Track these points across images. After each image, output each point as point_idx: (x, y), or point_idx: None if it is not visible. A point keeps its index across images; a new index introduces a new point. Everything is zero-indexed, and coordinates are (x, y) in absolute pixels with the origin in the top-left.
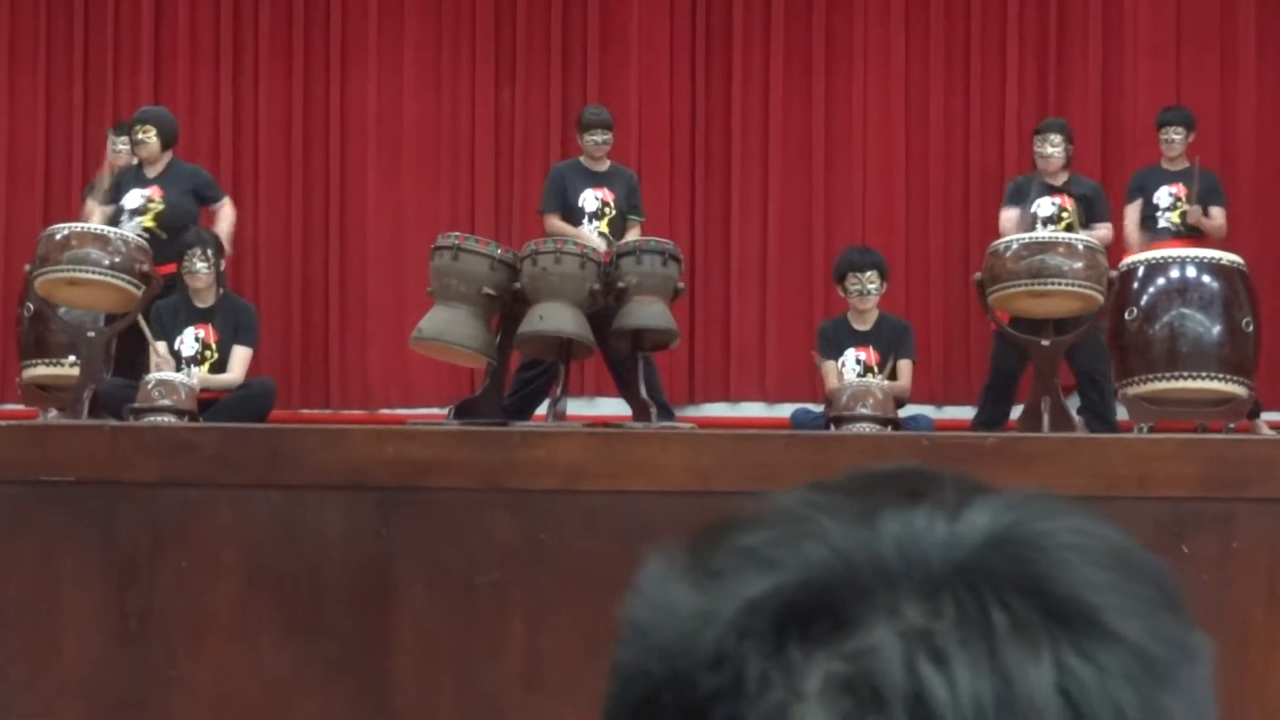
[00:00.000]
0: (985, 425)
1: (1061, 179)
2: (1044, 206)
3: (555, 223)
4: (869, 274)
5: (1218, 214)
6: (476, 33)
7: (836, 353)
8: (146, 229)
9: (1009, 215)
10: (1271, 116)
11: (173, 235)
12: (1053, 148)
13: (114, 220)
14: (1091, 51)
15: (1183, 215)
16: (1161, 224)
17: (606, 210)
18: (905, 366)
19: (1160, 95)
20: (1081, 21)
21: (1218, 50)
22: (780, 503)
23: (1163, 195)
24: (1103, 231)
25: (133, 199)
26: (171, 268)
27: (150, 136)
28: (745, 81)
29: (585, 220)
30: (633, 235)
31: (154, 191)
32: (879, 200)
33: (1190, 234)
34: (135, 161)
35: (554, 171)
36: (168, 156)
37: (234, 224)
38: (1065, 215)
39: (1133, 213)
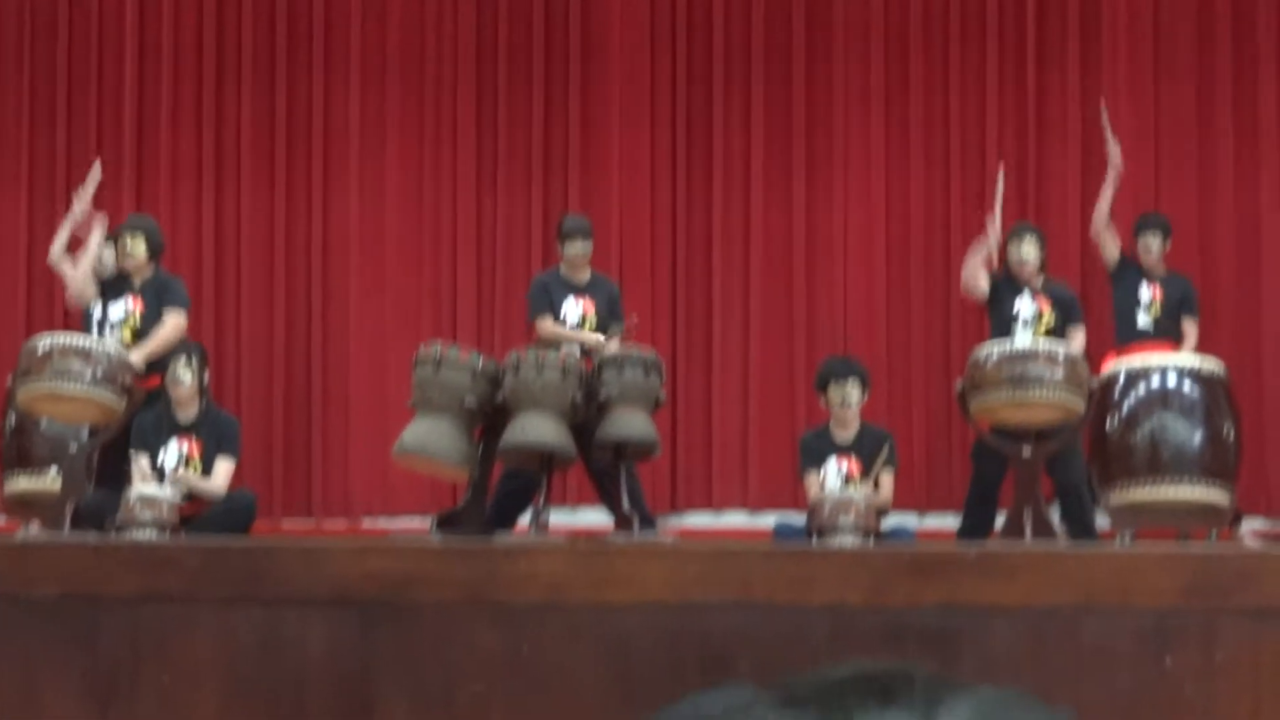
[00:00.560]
0: (969, 534)
1: (1038, 282)
2: (1025, 308)
3: (549, 325)
4: (850, 383)
5: (1190, 328)
6: (458, 142)
7: (818, 463)
8: (126, 344)
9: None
10: (1249, 223)
11: (151, 358)
12: (1029, 250)
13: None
14: (1070, 154)
15: (1158, 317)
16: (1141, 323)
17: (589, 322)
18: (888, 478)
19: (1138, 199)
20: (1060, 125)
21: (1195, 158)
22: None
23: (1143, 293)
24: (1077, 339)
25: (115, 310)
26: (155, 381)
27: (139, 246)
28: (725, 189)
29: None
30: (615, 346)
31: (136, 304)
32: (860, 308)
33: (1166, 336)
34: (115, 269)
35: (537, 281)
36: (152, 268)
37: (173, 336)
38: (1044, 317)
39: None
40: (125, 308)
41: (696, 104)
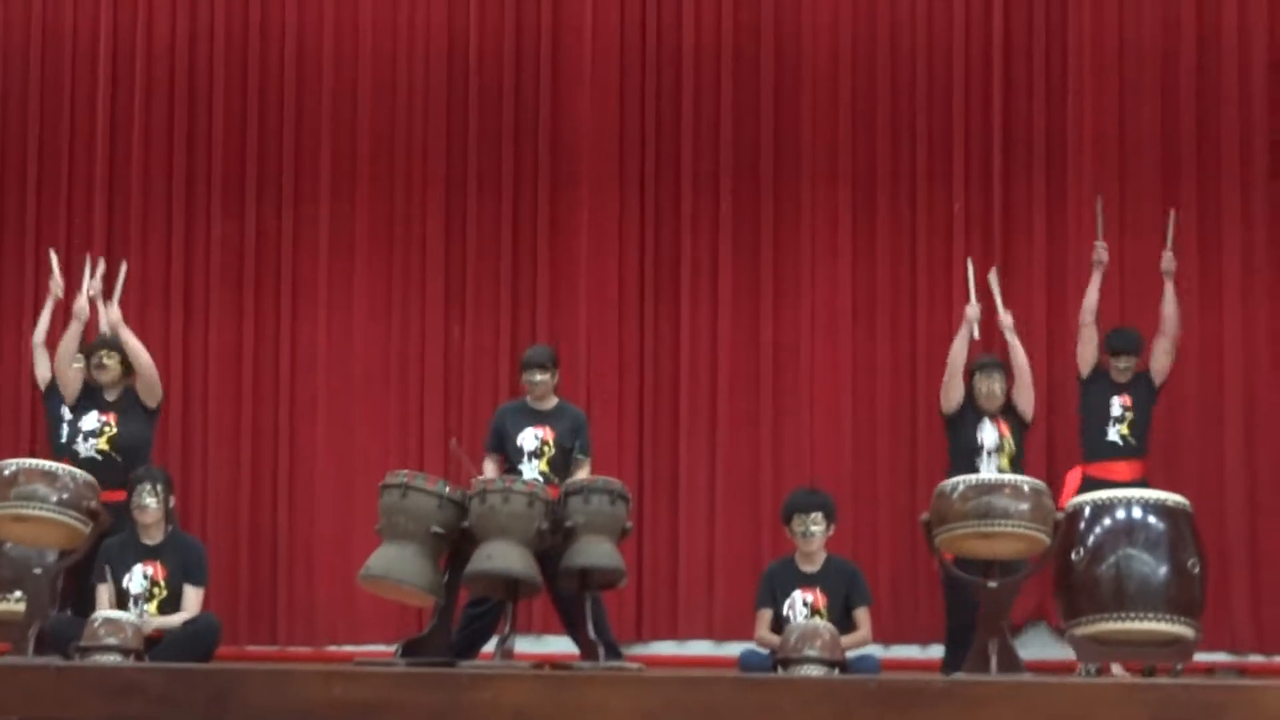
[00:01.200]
0: (951, 670)
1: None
2: (988, 436)
3: (488, 469)
4: (814, 515)
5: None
6: (426, 269)
7: (783, 595)
8: (100, 451)
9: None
10: (1212, 354)
11: (126, 459)
12: (997, 385)
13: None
14: (1036, 285)
15: (1130, 427)
16: (1111, 436)
17: (546, 449)
18: (863, 614)
19: (1106, 318)
20: (1026, 256)
21: (1158, 280)
22: None
23: (1115, 405)
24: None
25: (89, 422)
26: (122, 494)
27: (113, 362)
28: (692, 319)
29: (525, 459)
30: (581, 474)
31: (110, 416)
32: (826, 436)
33: (1135, 455)
34: (85, 384)
35: (496, 414)
36: (125, 384)
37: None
38: (1007, 443)
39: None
40: (100, 419)
41: (665, 228)
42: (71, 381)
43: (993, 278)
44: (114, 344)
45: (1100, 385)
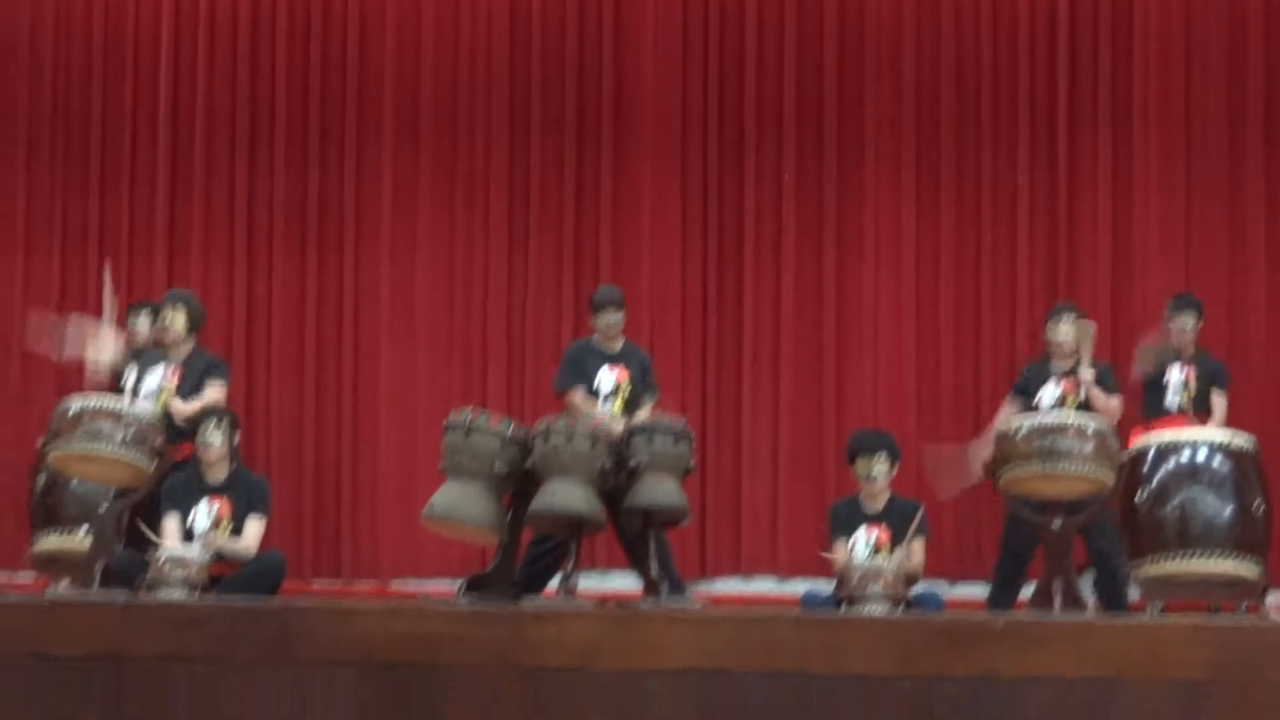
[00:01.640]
0: (996, 606)
1: (1070, 363)
2: (1048, 395)
3: (577, 398)
4: (878, 457)
5: (1219, 401)
6: (490, 211)
7: (848, 531)
8: (161, 412)
9: (1007, 410)
10: (1279, 302)
11: (188, 420)
12: (1064, 333)
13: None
14: (1101, 243)
15: (1190, 398)
16: (1169, 400)
17: (622, 390)
18: (919, 545)
19: (1170, 283)
20: (1091, 213)
21: (1226, 241)
22: None
23: (1174, 373)
24: (1115, 402)
25: (151, 380)
26: (186, 450)
27: (178, 318)
28: (756, 260)
29: (601, 400)
30: (645, 413)
31: (173, 374)
32: (890, 381)
33: (1196, 416)
34: (151, 341)
35: (570, 350)
36: (191, 341)
37: (212, 401)
38: (1069, 401)
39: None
40: (162, 379)
41: (728, 176)
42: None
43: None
44: (180, 298)
45: (1164, 358)
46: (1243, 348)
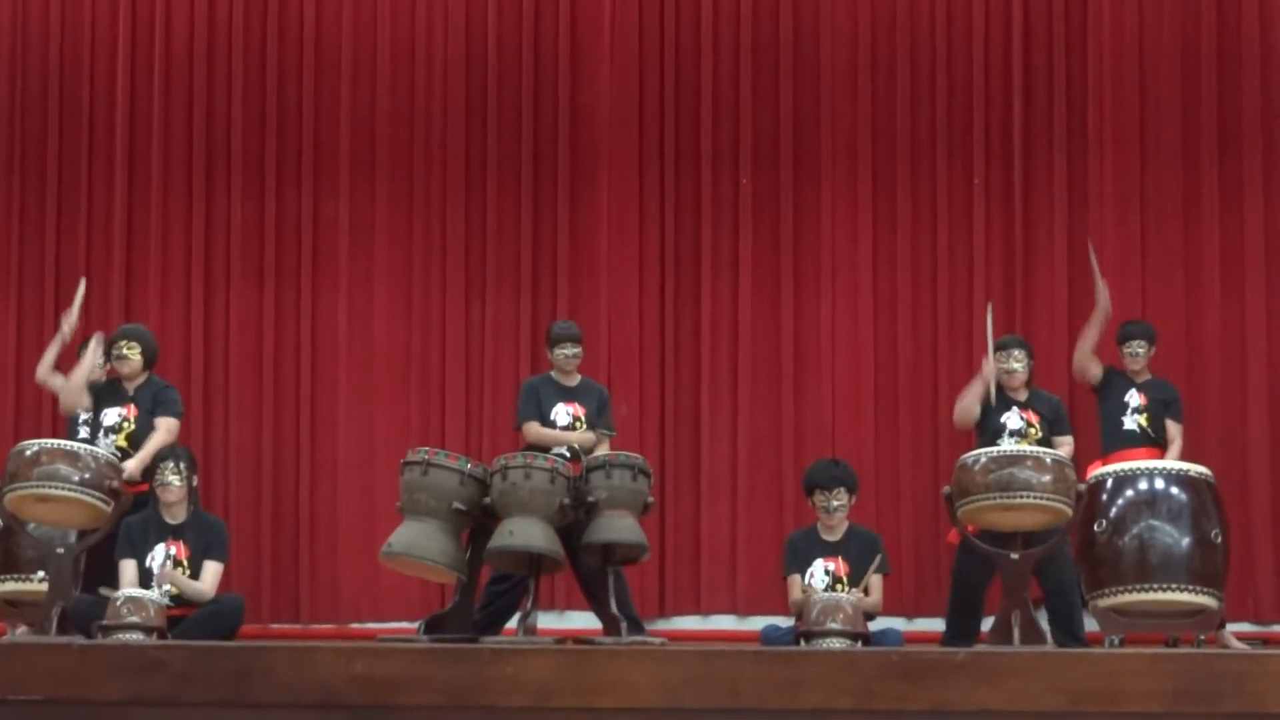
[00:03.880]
0: (955, 639)
1: (1023, 395)
2: (1012, 420)
3: (536, 429)
4: (836, 490)
5: (1175, 431)
6: (447, 249)
7: (805, 563)
8: (120, 448)
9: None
10: (1234, 332)
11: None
12: (1016, 363)
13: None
14: (1057, 263)
15: (1149, 420)
16: (1128, 425)
17: (578, 425)
18: (877, 581)
19: (1127, 311)
20: (1047, 235)
21: (1181, 266)
22: None
23: (1132, 397)
24: (1066, 448)
25: (109, 416)
26: (144, 487)
27: (134, 354)
28: (713, 294)
29: None
30: (603, 450)
31: (129, 410)
32: (848, 412)
33: (1152, 443)
34: (107, 376)
35: (527, 385)
36: (146, 375)
37: (166, 441)
38: (1032, 430)
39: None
40: (120, 414)
41: (685, 210)
42: (84, 398)
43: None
44: (134, 334)
45: (1115, 384)
46: (1199, 361)
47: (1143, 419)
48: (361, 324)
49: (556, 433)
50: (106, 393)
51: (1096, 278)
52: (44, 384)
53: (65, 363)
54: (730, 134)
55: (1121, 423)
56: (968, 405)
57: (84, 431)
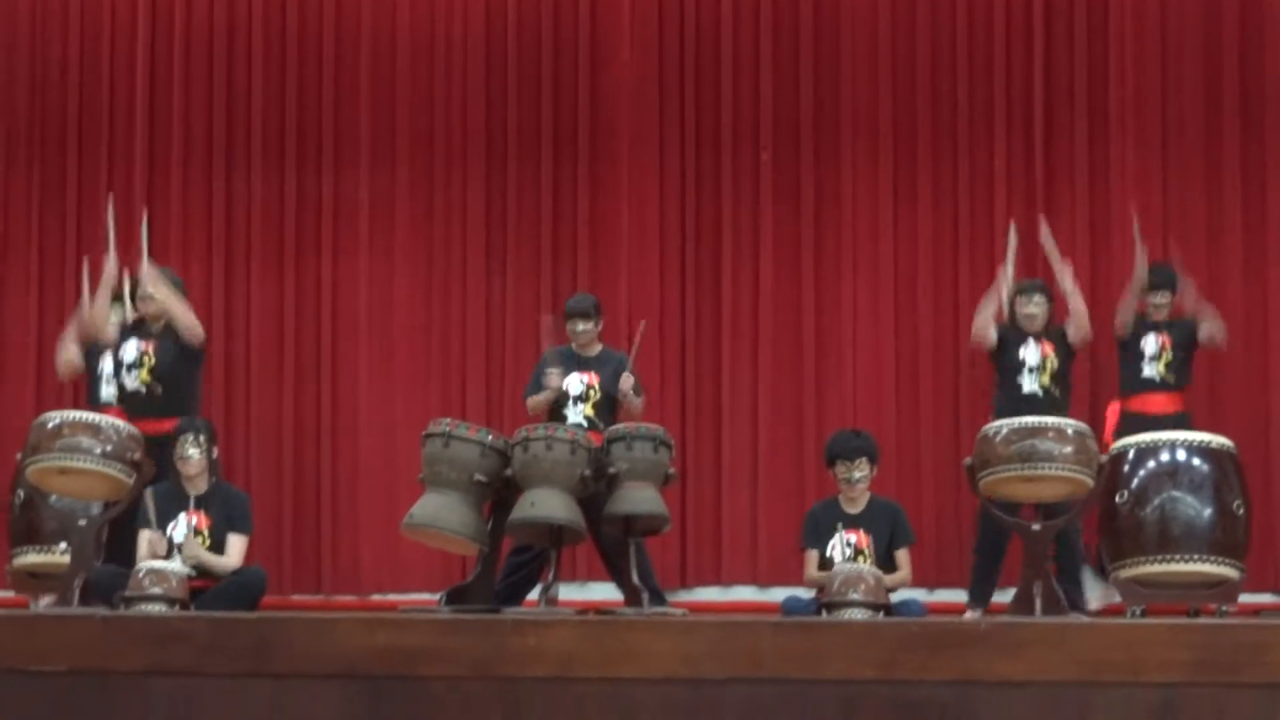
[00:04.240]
0: (979, 586)
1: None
2: (1030, 354)
3: (532, 399)
4: (858, 461)
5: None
6: (467, 223)
7: (824, 537)
8: (144, 383)
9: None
10: (1256, 302)
11: (169, 390)
12: (1035, 307)
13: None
14: (1079, 238)
15: (1168, 365)
16: (1148, 372)
17: (591, 394)
18: (904, 554)
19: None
20: (1069, 211)
21: (1204, 239)
22: None
23: (1149, 342)
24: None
25: (129, 351)
26: (168, 424)
27: (160, 289)
28: (734, 265)
29: (571, 403)
30: (638, 405)
31: (149, 345)
32: (869, 384)
33: (1172, 387)
34: (134, 317)
35: (544, 357)
36: (169, 318)
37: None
38: (1049, 362)
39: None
40: (139, 348)
41: (705, 181)
42: (111, 333)
43: (1045, 239)
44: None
45: (1137, 326)
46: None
47: (1162, 365)
48: (382, 299)
49: (546, 392)
50: (130, 330)
51: (1138, 247)
52: (70, 365)
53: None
54: (750, 110)
55: (1141, 369)
56: (982, 321)
57: (107, 366)
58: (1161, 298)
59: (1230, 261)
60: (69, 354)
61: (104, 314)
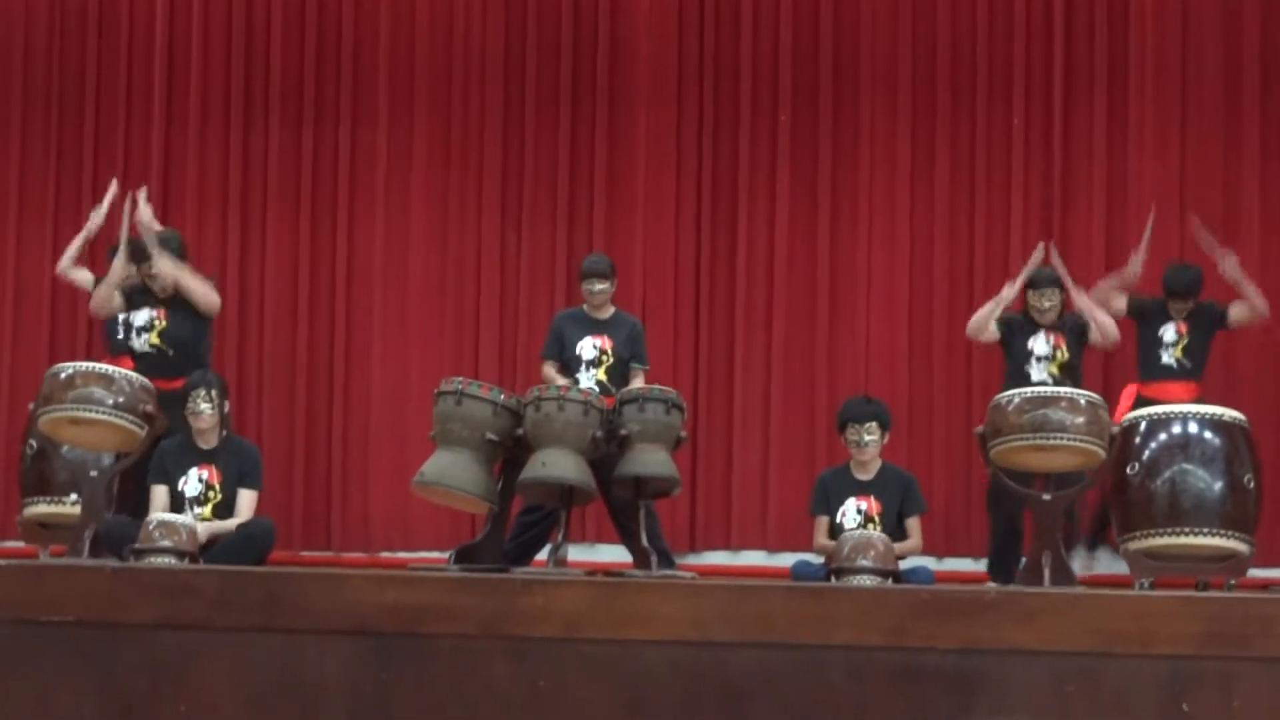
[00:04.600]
0: (1000, 560)
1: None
2: (1039, 345)
3: (546, 370)
4: (869, 425)
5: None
6: (483, 181)
7: (835, 503)
8: (154, 345)
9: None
10: (1273, 271)
11: (179, 353)
12: (1047, 301)
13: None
14: (1095, 203)
15: (1185, 352)
16: (1165, 360)
17: (605, 358)
18: (915, 523)
19: (1164, 250)
20: (1086, 175)
21: (1221, 200)
22: None
23: (1168, 331)
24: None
25: (140, 317)
26: (178, 383)
27: (165, 258)
28: (749, 228)
29: (583, 368)
30: (636, 383)
31: (160, 312)
32: (882, 350)
33: (1189, 376)
34: (140, 281)
35: (555, 320)
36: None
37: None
38: (1059, 353)
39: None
40: (150, 315)
41: (722, 143)
42: (115, 300)
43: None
44: (163, 239)
45: (1154, 316)
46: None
47: (1179, 352)
48: (397, 254)
49: (558, 378)
50: (138, 293)
51: (1142, 245)
52: (64, 275)
53: (93, 267)
54: (769, 68)
55: (1159, 356)
56: (980, 318)
57: (120, 332)
58: (1180, 304)
59: (1246, 228)
60: (116, 301)
61: (110, 298)
